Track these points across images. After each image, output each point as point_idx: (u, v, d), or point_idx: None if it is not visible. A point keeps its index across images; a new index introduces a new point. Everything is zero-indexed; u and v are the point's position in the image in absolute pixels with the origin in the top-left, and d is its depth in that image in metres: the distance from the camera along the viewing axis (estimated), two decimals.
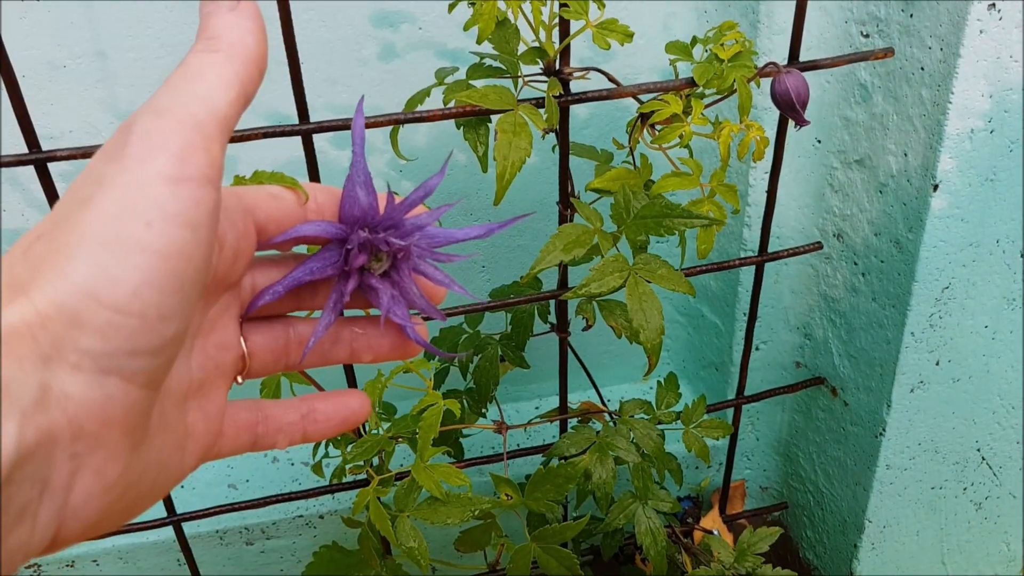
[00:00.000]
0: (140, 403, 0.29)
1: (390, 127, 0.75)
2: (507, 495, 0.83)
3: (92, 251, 0.27)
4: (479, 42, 0.66)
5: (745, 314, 1.04)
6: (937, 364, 0.92)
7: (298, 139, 0.69)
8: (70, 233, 0.28)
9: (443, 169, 0.40)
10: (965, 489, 1.04)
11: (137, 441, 0.30)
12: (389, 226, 0.39)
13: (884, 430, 0.95)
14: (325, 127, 0.66)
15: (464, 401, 0.93)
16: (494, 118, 0.67)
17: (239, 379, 0.39)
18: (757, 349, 1.08)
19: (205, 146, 0.29)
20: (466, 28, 0.67)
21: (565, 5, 0.65)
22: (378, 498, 0.82)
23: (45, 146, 0.64)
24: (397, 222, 0.39)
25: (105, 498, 0.30)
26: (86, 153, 0.64)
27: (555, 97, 0.68)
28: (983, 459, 1.02)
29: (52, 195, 0.66)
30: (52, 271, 0.27)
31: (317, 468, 0.85)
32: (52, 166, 0.85)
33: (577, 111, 0.98)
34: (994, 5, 0.73)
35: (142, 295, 0.28)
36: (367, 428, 0.81)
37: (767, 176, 0.83)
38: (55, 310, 0.27)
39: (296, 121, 0.67)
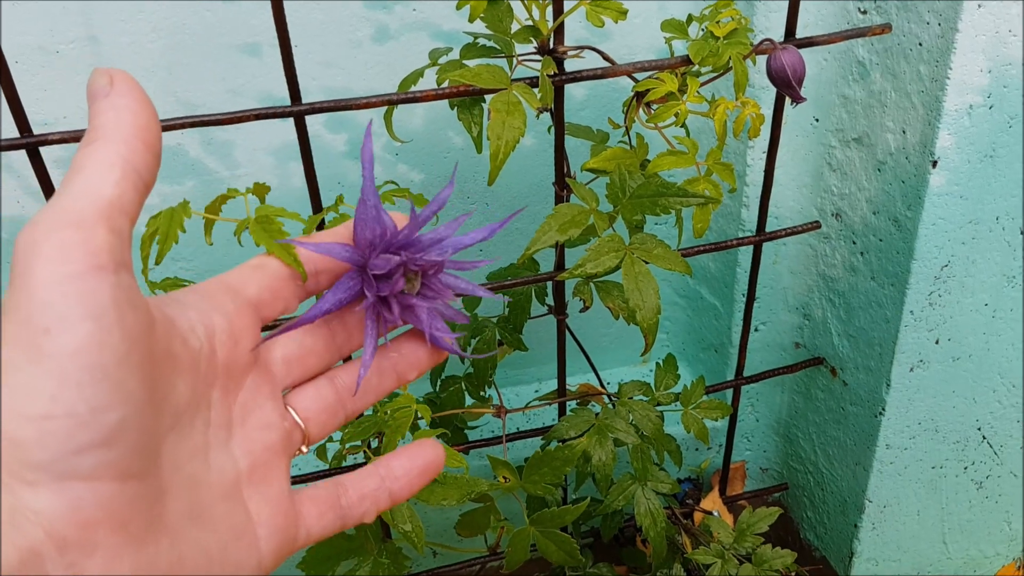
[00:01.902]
0: (120, 498, 0.29)
1: (384, 109, 0.74)
2: (505, 478, 0.83)
3: (9, 377, 0.28)
4: (471, 20, 0.66)
5: (744, 295, 1.04)
6: (937, 343, 0.91)
7: (291, 125, 0.69)
8: None
9: (452, 180, 0.40)
10: (966, 468, 1.04)
11: (137, 536, 0.30)
12: (405, 244, 0.39)
13: (884, 410, 0.95)
14: (317, 108, 0.66)
15: (463, 386, 0.93)
16: (488, 98, 0.67)
17: (304, 448, 0.39)
18: (756, 330, 1.07)
19: (84, 238, 0.29)
20: (459, 7, 0.66)
21: None
22: None
23: (39, 132, 0.64)
24: (412, 239, 0.39)
25: None
26: (76, 137, 0.63)
27: (549, 76, 0.68)
28: (984, 438, 1.02)
29: (45, 181, 0.66)
30: None
31: (321, 452, 0.85)
32: (47, 152, 0.85)
33: (574, 92, 0.98)
34: None
35: (61, 397, 0.28)
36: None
37: (765, 156, 0.83)
38: None
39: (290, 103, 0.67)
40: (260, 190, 0.58)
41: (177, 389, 0.33)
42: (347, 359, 0.42)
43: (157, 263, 0.57)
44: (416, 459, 0.41)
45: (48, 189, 0.66)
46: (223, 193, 0.61)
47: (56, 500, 0.28)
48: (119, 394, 0.29)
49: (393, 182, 0.72)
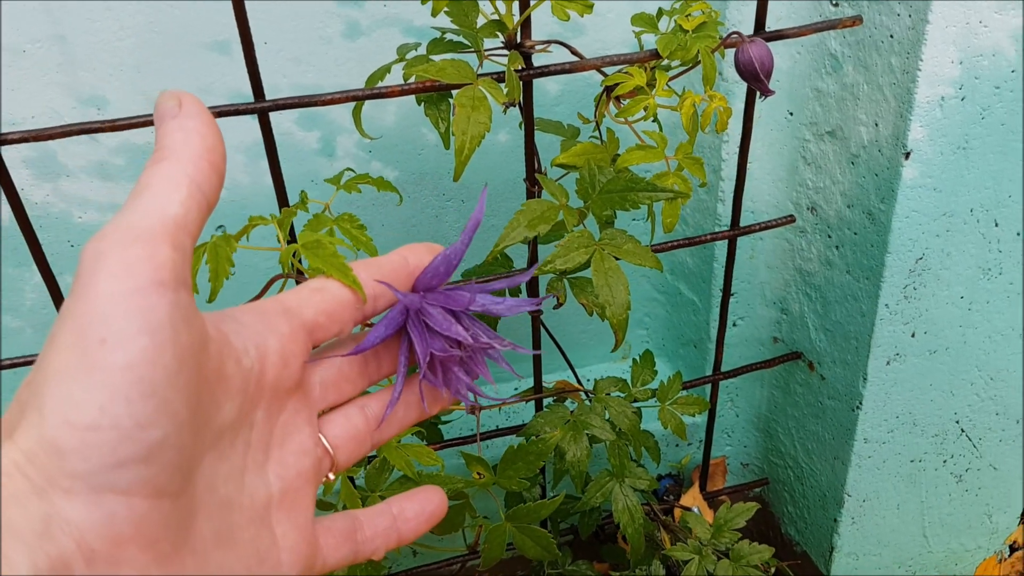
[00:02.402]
0: (153, 515, 0.30)
1: (352, 105, 0.74)
2: (479, 474, 0.83)
3: (58, 383, 0.29)
4: (434, 15, 0.65)
5: (721, 290, 1.04)
6: (913, 336, 0.91)
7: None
8: (40, 372, 0.29)
9: (481, 203, 0.40)
10: (945, 462, 1.04)
11: (165, 554, 0.30)
12: (459, 301, 0.39)
13: (861, 403, 0.95)
14: (281, 105, 0.65)
15: None
16: (455, 93, 0.66)
17: (331, 475, 0.40)
18: (735, 325, 1.07)
19: (149, 254, 0.30)
20: (423, 1, 0.65)
21: None
22: (350, 478, 0.82)
23: (6, 132, 0.63)
24: (464, 299, 0.39)
25: None
26: (37, 136, 0.62)
27: (516, 71, 0.67)
28: (962, 431, 1.02)
29: (6, 181, 0.65)
30: (31, 412, 0.29)
31: None
32: (11, 152, 0.84)
33: (548, 87, 0.97)
34: None
35: (110, 409, 0.28)
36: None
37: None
38: (38, 446, 0.28)
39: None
40: (288, 215, 0.58)
41: (223, 409, 0.33)
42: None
43: (211, 301, 0.57)
44: (426, 505, 0.42)
45: (8, 188, 0.65)
46: (247, 224, 0.61)
47: (91, 512, 0.28)
48: (164, 412, 0.29)
49: (367, 175, 0.72)
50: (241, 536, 0.34)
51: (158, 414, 0.29)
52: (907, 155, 0.79)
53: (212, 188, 0.33)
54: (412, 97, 0.93)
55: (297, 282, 0.60)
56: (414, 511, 0.42)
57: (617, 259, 0.71)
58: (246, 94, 0.88)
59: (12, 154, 0.86)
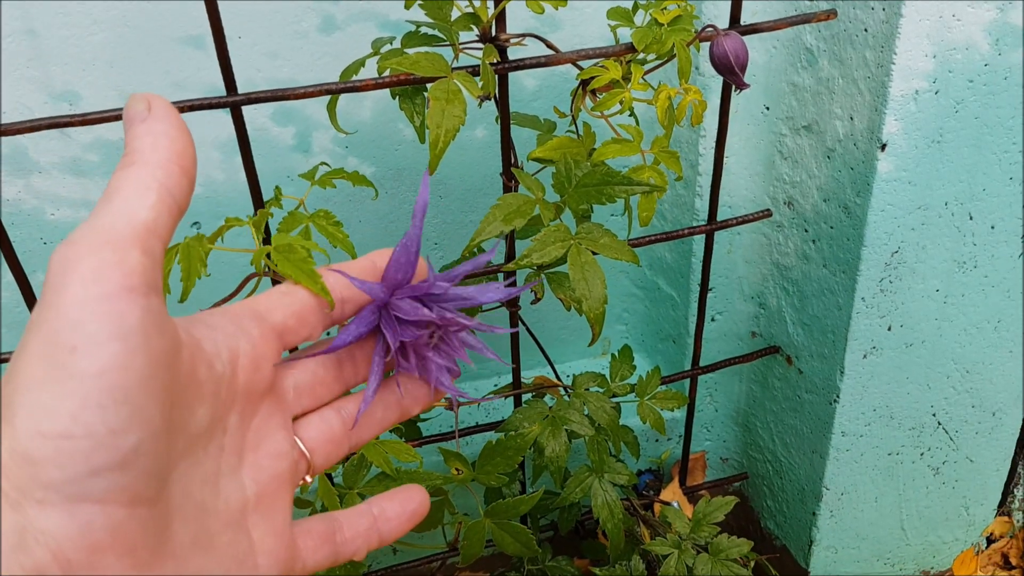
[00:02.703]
0: (130, 523, 0.29)
1: (327, 100, 0.73)
2: (457, 470, 0.82)
3: (28, 393, 0.28)
4: (407, 7, 0.65)
5: (700, 285, 1.04)
6: (889, 329, 0.92)
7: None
8: (10, 383, 0.29)
9: (424, 187, 0.40)
10: (922, 454, 1.05)
11: (143, 562, 0.30)
12: (431, 294, 0.39)
13: (838, 397, 0.95)
14: (253, 99, 0.65)
15: None
16: (430, 87, 0.66)
17: (308, 478, 0.39)
18: (713, 320, 1.07)
19: (118, 260, 0.30)
20: None
21: None
22: (328, 475, 0.81)
23: None
24: (437, 291, 0.39)
25: None
26: (6, 131, 0.62)
27: (491, 64, 0.67)
28: (939, 424, 1.03)
29: None
30: (2, 424, 0.28)
31: None
32: None
33: (526, 83, 0.97)
34: None
35: (82, 417, 0.28)
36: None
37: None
38: (9, 458, 0.28)
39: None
40: (263, 216, 0.57)
41: (196, 414, 0.33)
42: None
43: (182, 301, 0.56)
44: (407, 505, 0.42)
45: None
46: (223, 225, 0.60)
47: (66, 522, 0.28)
48: (138, 418, 0.29)
49: (342, 169, 0.71)
50: (219, 541, 0.34)
51: (132, 420, 0.29)
52: (883, 147, 0.79)
53: (182, 192, 0.33)
54: (388, 93, 0.93)
55: (274, 281, 0.59)
56: (395, 511, 0.41)
57: (594, 253, 0.71)
58: (221, 89, 0.87)
59: None
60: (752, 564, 0.96)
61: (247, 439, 0.36)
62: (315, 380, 0.39)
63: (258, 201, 0.71)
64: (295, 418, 0.39)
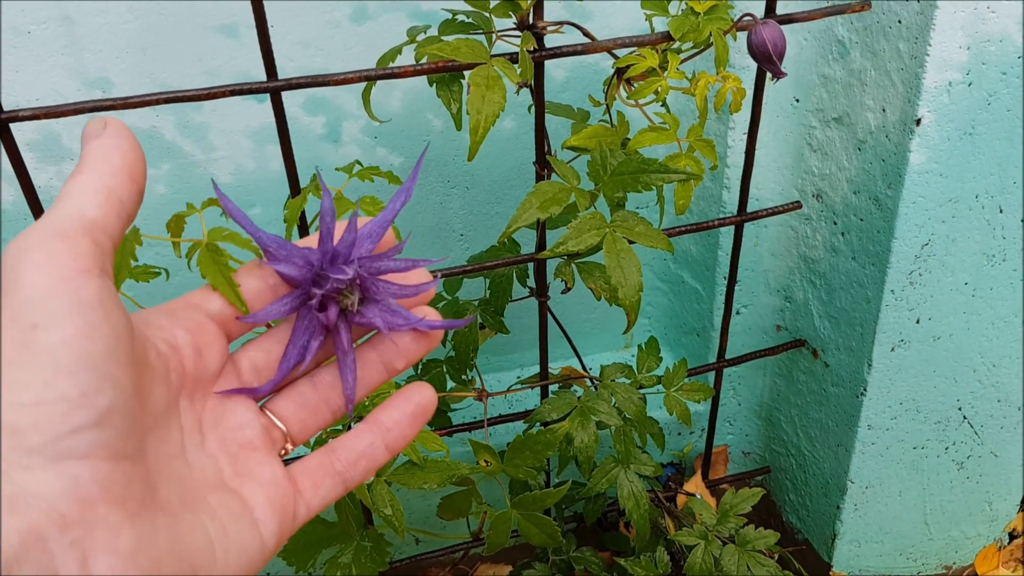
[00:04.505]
0: (116, 474, 0.31)
1: (362, 87, 0.74)
2: (486, 461, 0.82)
3: (2, 373, 0.30)
4: None
5: (725, 278, 1.04)
6: (917, 322, 0.92)
7: (269, 107, 0.68)
8: None
9: (412, 182, 0.40)
10: (947, 449, 1.05)
11: (135, 512, 0.31)
12: (348, 260, 0.39)
13: (865, 390, 0.95)
14: (294, 84, 0.65)
15: (445, 370, 0.92)
16: (467, 74, 0.66)
17: (289, 446, 0.40)
18: (738, 313, 1.07)
19: (70, 247, 0.32)
20: None
21: None
22: None
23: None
24: (339, 251, 0.39)
25: (138, 566, 0.31)
26: (49, 113, 0.62)
27: (529, 52, 0.67)
28: (964, 418, 1.03)
29: (17, 161, 0.64)
30: None
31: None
32: (20, 135, 0.84)
33: (554, 74, 0.97)
34: None
35: (53, 383, 0.29)
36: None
37: (746, 137, 0.82)
38: None
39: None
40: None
41: (155, 394, 0.35)
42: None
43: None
44: (406, 405, 0.41)
45: (20, 169, 0.64)
46: (179, 212, 0.60)
47: (54, 480, 0.29)
48: (108, 381, 0.31)
49: (378, 167, 0.72)
50: (207, 502, 0.36)
51: (102, 382, 0.30)
52: (918, 122, 0.78)
53: (130, 199, 0.35)
54: (417, 84, 0.93)
55: None
56: (395, 418, 0.41)
57: (630, 242, 0.71)
58: (255, 77, 0.87)
59: (16, 136, 0.85)
60: (775, 558, 0.96)
61: (203, 419, 0.38)
62: (272, 358, 0.40)
63: (295, 187, 0.71)
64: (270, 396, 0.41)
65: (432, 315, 0.41)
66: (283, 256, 0.39)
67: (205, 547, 0.34)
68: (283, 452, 0.40)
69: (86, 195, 0.33)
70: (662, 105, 0.75)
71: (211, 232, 0.52)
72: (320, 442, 0.75)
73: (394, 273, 0.41)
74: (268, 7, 0.85)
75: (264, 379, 0.40)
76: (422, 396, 0.41)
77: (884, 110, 0.82)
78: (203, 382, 0.38)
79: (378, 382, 0.42)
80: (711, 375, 1.02)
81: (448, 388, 0.93)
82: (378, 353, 0.41)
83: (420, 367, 0.93)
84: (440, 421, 0.94)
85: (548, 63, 0.94)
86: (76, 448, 0.29)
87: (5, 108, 0.62)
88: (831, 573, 1.10)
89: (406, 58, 0.71)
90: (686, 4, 0.70)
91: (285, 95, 0.79)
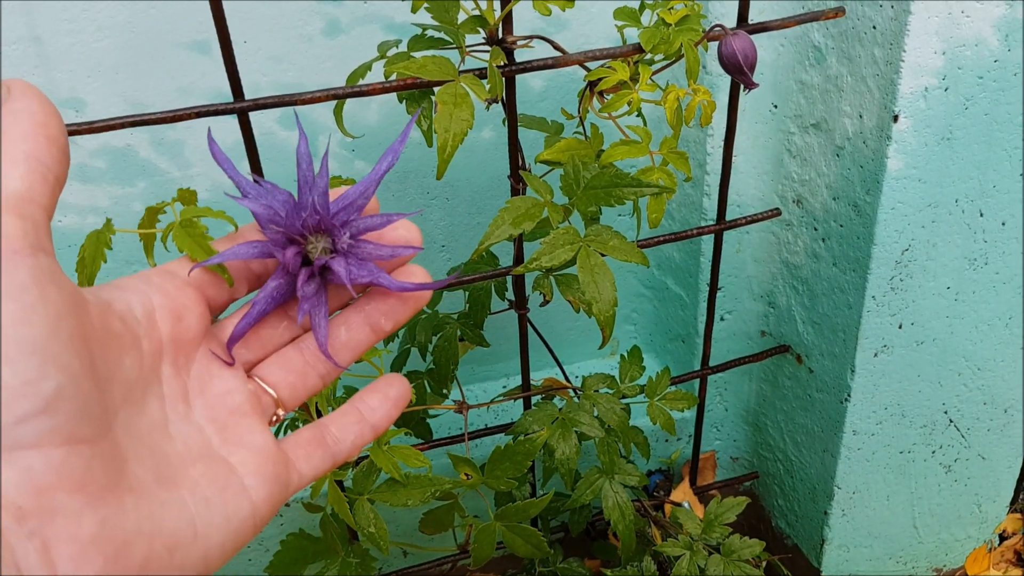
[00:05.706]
0: (72, 460, 0.30)
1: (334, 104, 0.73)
2: (466, 474, 0.82)
3: None
4: (413, 11, 0.64)
5: (708, 285, 1.03)
6: (900, 327, 0.91)
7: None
8: None
9: (401, 143, 0.40)
10: (934, 452, 1.04)
11: (97, 496, 0.30)
12: (332, 224, 0.39)
13: (849, 395, 0.94)
14: (260, 104, 0.64)
15: (425, 382, 0.92)
16: (437, 90, 0.66)
17: (280, 412, 0.41)
18: (722, 319, 1.07)
19: None
20: None
21: None
22: (338, 481, 0.81)
23: None
24: (331, 219, 0.39)
25: (102, 551, 0.30)
26: None
27: (498, 67, 0.67)
28: (951, 421, 1.02)
29: None
30: None
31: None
32: None
33: (532, 84, 0.97)
34: None
35: None
36: (319, 411, 0.79)
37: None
38: None
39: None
40: (187, 197, 0.57)
41: (124, 365, 0.34)
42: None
43: (89, 284, 0.56)
44: (388, 392, 0.42)
45: None
46: (151, 206, 0.60)
47: (6, 472, 0.28)
48: (53, 365, 0.29)
49: (352, 179, 0.71)
50: (188, 475, 0.35)
51: (46, 367, 0.29)
52: (895, 118, 0.78)
53: (55, 160, 0.33)
54: (395, 95, 0.93)
55: None
56: (377, 400, 0.42)
57: (603, 255, 0.70)
58: (227, 94, 0.86)
59: None
60: (764, 564, 0.95)
61: (189, 386, 0.37)
62: (257, 324, 0.40)
63: None
64: (256, 363, 0.40)
65: (420, 274, 0.41)
66: (253, 195, 0.38)
67: (183, 523, 0.33)
68: (274, 419, 0.40)
69: (5, 168, 0.31)
70: (637, 115, 0.74)
71: (183, 211, 0.52)
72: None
73: (373, 232, 0.40)
74: (240, 21, 0.85)
75: (252, 346, 0.40)
76: (400, 386, 0.43)
77: (861, 116, 0.82)
78: (185, 346, 0.37)
79: (367, 343, 0.42)
80: (696, 381, 1.01)
81: (425, 397, 0.93)
82: (365, 315, 0.41)
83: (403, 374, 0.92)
84: (422, 430, 0.93)
85: (526, 73, 0.94)
86: (25, 438, 0.29)
87: None
88: None
89: (377, 73, 0.70)
90: (658, 15, 0.70)
91: (262, 110, 0.79)
